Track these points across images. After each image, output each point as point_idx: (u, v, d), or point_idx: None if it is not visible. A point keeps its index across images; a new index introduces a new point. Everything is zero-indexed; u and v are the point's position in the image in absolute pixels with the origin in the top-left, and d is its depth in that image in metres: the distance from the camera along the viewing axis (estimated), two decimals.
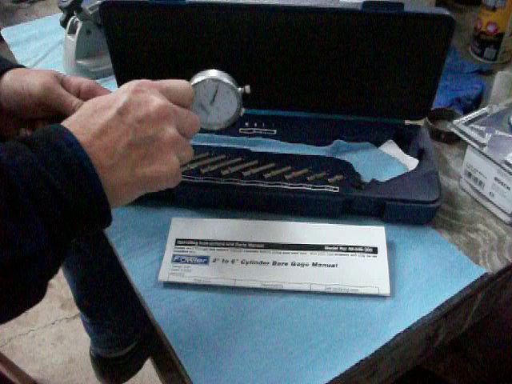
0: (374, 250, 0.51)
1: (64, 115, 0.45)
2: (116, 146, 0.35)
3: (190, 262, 0.51)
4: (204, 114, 0.50)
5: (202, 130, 0.59)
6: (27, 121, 0.49)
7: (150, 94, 0.38)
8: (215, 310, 0.48)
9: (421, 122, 0.64)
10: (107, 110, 0.36)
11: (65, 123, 0.35)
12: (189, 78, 0.51)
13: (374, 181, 0.55)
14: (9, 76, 0.47)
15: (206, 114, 0.50)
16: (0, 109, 0.47)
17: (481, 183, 0.56)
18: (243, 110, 0.51)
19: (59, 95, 0.46)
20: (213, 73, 0.48)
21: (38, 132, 0.34)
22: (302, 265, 0.50)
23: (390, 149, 0.60)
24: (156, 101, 0.38)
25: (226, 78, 0.48)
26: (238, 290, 0.49)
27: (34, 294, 0.34)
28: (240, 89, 0.49)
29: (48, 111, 0.47)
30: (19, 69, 0.48)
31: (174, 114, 0.39)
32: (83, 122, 0.35)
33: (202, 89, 0.48)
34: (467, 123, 0.55)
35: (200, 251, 0.51)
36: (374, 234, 0.52)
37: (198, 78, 0.48)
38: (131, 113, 0.37)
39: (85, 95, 0.48)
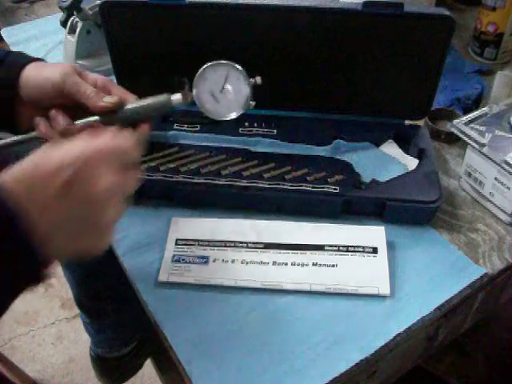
0: (374, 250, 0.51)
1: (78, 105, 0.48)
2: (56, 219, 0.35)
3: (190, 262, 0.51)
4: (213, 103, 0.50)
5: (202, 124, 0.59)
6: (43, 109, 0.50)
7: (98, 171, 0.38)
8: (215, 310, 0.48)
9: (421, 122, 0.64)
10: (54, 181, 0.36)
11: (11, 177, 0.35)
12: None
13: (374, 181, 0.55)
14: (31, 67, 0.50)
15: (216, 103, 0.50)
16: (18, 99, 0.50)
17: (481, 183, 0.56)
18: (253, 104, 0.51)
19: (75, 83, 0.48)
20: (224, 60, 0.48)
21: None
22: (302, 265, 0.50)
23: (390, 149, 0.60)
24: (102, 181, 0.37)
25: (236, 65, 0.48)
26: (237, 289, 0.49)
27: None
28: (251, 79, 0.49)
29: (65, 99, 0.49)
30: (40, 62, 0.52)
31: (118, 191, 0.39)
32: (30, 187, 0.35)
33: (212, 75, 0.48)
34: (467, 123, 0.55)
35: (200, 251, 0.51)
36: (374, 233, 0.52)
37: (209, 63, 0.48)
38: (76, 188, 0.36)
39: (99, 91, 0.50)
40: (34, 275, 0.35)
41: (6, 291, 0.34)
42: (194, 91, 0.52)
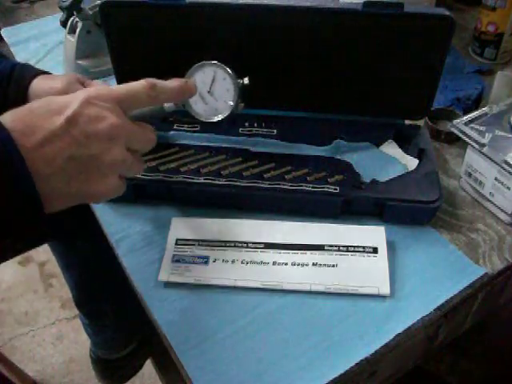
0: (374, 250, 0.51)
1: None
2: (56, 157, 0.34)
3: (189, 262, 0.51)
4: (202, 104, 0.50)
5: (201, 125, 0.60)
6: None
7: (104, 110, 0.36)
8: (215, 310, 0.48)
9: (421, 122, 0.64)
10: (57, 117, 0.34)
11: (9, 118, 0.33)
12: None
13: (374, 181, 0.55)
14: (37, 80, 0.52)
15: (204, 104, 0.50)
16: None
17: (481, 183, 0.56)
18: (242, 106, 0.51)
19: (77, 90, 0.48)
20: (211, 61, 0.49)
21: None
22: (302, 265, 0.50)
23: (390, 149, 0.60)
24: (108, 119, 0.36)
25: (224, 65, 0.48)
26: (237, 289, 0.49)
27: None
28: (239, 80, 0.49)
29: None
30: (46, 74, 0.54)
31: (125, 135, 0.38)
32: (30, 123, 0.34)
33: (200, 75, 0.49)
34: (467, 123, 0.55)
35: (200, 251, 0.51)
36: (374, 233, 0.52)
37: (197, 63, 0.48)
38: (80, 125, 0.35)
39: None
40: (29, 218, 0.33)
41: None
42: None
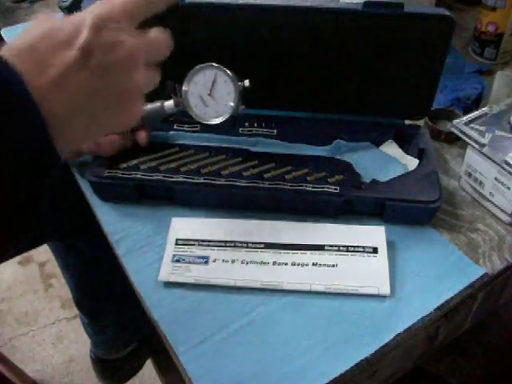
0: (374, 250, 0.51)
1: None
2: (75, 96, 0.30)
3: (190, 262, 0.51)
4: (202, 106, 0.50)
5: (201, 125, 0.60)
6: None
7: (118, 32, 0.32)
8: (215, 310, 0.48)
9: (421, 122, 0.64)
10: (67, 49, 0.30)
11: (14, 58, 0.28)
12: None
13: (374, 181, 0.55)
14: None
15: (205, 107, 0.50)
16: None
17: (481, 183, 0.56)
18: (243, 108, 0.51)
19: None
20: (212, 63, 0.49)
21: None
22: (302, 265, 0.50)
23: (390, 149, 0.60)
24: (125, 44, 0.32)
25: (224, 68, 0.49)
26: (238, 290, 0.49)
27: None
28: (239, 83, 0.50)
29: None
30: None
31: (143, 55, 0.34)
32: (38, 60, 0.29)
33: (201, 78, 0.49)
34: (467, 123, 0.55)
35: (200, 251, 0.51)
36: (374, 233, 0.52)
37: (197, 66, 0.48)
38: (96, 56, 0.30)
39: None
40: (45, 169, 0.29)
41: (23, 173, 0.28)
42: (183, 94, 0.52)
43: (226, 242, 0.52)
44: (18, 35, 0.31)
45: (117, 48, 0.32)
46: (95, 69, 0.30)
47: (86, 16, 0.32)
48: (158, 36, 0.37)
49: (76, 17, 0.32)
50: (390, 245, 0.52)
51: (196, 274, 0.49)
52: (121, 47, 0.32)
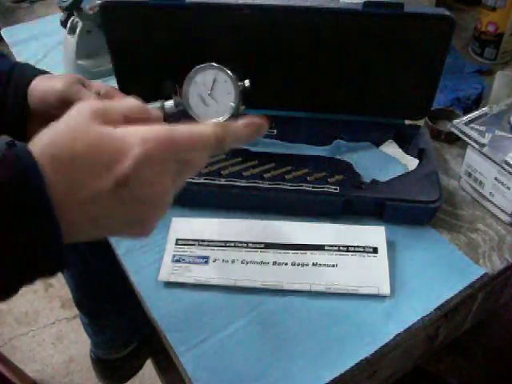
0: (374, 250, 0.51)
1: None
2: (99, 218, 0.30)
3: (190, 262, 0.51)
4: (202, 106, 0.50)
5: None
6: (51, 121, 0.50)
7: (160, 174, 0.30)
8: (215, 310, 0.48)
9: (421, 122, 0.64)
10: (105, 175, 0.28)
11: (49, 167, 0.27)
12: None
13: (374, 181, 0.55)
14: (37, 79, 0.51)
15: (205, 107, 0.50)
16: (28, 112, 0.50)
17: (481, 183, 0.56)
18: (243, 108, 0.51)
19: (78, 91, 0.49)
20: (213, 63, 0.49)
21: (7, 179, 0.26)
22: (302, 265, 0.50)
23: (390, 149, 0.60)
24: (161, 186, 0.31)
25: (225, 68, 0.49)
26: (238, 289, 0.49)
27: None
28: (239, 83, 0.50)
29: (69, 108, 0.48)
30: (46, 74, 0.53)
31: (173, 193, 0.33)
32: (73, 178, 0.28)
33: (201, 78, 0.49)
34: (467, 123, 0.55)
35: (200, 251, 0.51)
36: (374, 233, 0.52)
37: (198, 66, 0.48)
38: (130, 189, 0.29)
39: (102, 99, 0.49)
40: (53, 262, 0.29)
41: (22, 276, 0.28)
42: (184, 94, 0.52)
43: (225, 242, 0.52)
44: (58, 131, 0.29)
45: (153, 187, 0.30)
46: (125, 200, 0.30)
47: (135, 145, 0.29)
48: (199, 162, 0.35)
49: (125, 140, 0.29)
50: (390, 245, 0.52)
51: (196, 273, 0.49)
52: (157, 188, 0.31)
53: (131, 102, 0.33)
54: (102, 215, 0.30)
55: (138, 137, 0.30)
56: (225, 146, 0.33)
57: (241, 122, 0.34)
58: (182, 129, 0.32)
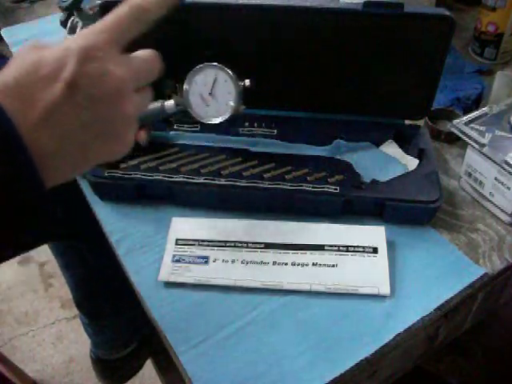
0: (374, 250, 0.51)
1: None
2: (64, 132, 0.29)
3: (190, 262, 0.51)
4: (203, 106, 0.50)
5: (201, 125, 0.60)
6: None
7: (105, 62, 0.31)
8: (215, 310, 0.48)
9: (421, 122, 0.64)
10: (53, 83, 0.29)
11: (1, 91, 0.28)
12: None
13: (374, 181, 0.55)
14: None
15: (206, 106, 0.50)
16: None
17: (481, 183, 0.56)
18: (243, 107, 0.51)
19: None
20: (213, 63, 0.49)
21: None
22: (302, 265, 0.50)
23: (390, 149, 0.60)
24: (113, 74, 0.31)
25: (225, 67, 0.49)
26: (237, 289, 0.49)
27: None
28: (240, 82, 0.50)
29: None
30: None
31: (132, 83, 0.33)
32: (24, 95, 0.28)
33: (201, 77, 0.49)
34: (467, 123, 0.55)
35: (200, 251, 0.51)
36: (374, 233, 0.52)
37: (198, 66, 0.48)
38: (83, 90, 0.29)
39: None
40: (34, 198, 0.29)
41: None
42: (184, 94, 0.52)
43: (226, 242, 0.52)
44: (3, 70, 0.30)
45: (104, 80, 0.30)
46: (83, 102, 0.30)
47: (71, 47, 0.30)
48: (146, 59, 0.36)
49: (61, 48, 0.31)
50: (390, 245, 0.52)
51: (196, 274, 0.49)
52: (108, 79, 0.31)
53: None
54: (68, 128, 0.29)
55: (71, 39, 0.31)
56: (143, 12, 0.36)
57: None
58: (105, 18, 0.34)
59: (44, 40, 0.35)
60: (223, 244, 0.52)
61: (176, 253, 0.51)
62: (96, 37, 0.32)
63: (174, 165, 0.57)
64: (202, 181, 0.55)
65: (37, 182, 0.28)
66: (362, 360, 0.44)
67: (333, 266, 0.50)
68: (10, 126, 0.27)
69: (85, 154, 0.31)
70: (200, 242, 0.52)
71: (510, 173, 0.51)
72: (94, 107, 0.30)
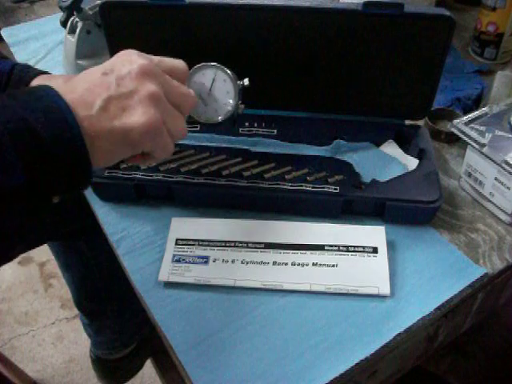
0: (374, 250, 0.51)
1: None
2: (95, 100, 0.37)
3: (190, 262, 0.51)
4: (202, 105, 0.50)
5: (201, 125, 0.60)
6: None
7: (137, 57, 0.40)
8: (215, 310, 0.48)
9: (421, 122, 0.64)
10: (93, 74, 0.39)
11: (51, 83, 0.37)
12: None
13: (374, 181, 0.55)
14: (37, 79, 0.51)
15: (205, 106, 0.50)
16: None
17: (481, 183, 0.56)
18: (243, 107, 0.51)
19: None
20: (211, 63, 0.49)
21: (21, 88, 0.35)
22: (302, 265, 0.50)
23: (390, 149, 0.60)
24: (141, 60, 0.39)
25: (223, 67, 0.49)
26: (237, 289, 0.49)
27: (11, 237, 0.35)
28: (239, 82, 0.50)
29: None
30: (46, 74, 0.52)
31: (159, 76, 0.40)
32: (70, 85, 0.38)
33: (200, 77, 0.49)
34: (467, 123, 0.55)
35: (200, 251, 0.51)
36: (374, 233, 0.52)
37: (196, 66, 0.48)
38: (115, 72, 0.38)
39: None
40: (79, 165, 0.35)
41: (52, 173, 0.34)
42: None
43: (225, 242, 0.52)
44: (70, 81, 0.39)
45: (132, 63, 0.39)
46: (112, 80, 0.38)
47: (118, 53, 0.41)
48: (181, 84, 0.43)
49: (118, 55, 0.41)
50: (390, 245, 0.52)
51: (196, 274, 0.49)
52: (135, 62, 0.39)
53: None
54: (97, 99, 0.37)
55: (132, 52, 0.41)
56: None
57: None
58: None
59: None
60: (223, 244, 0.52)
61: (176, 253, 0.51)
62: (136, 51, 0.42)
63: (173, 165, 0.57)
64: (202, 181, 0.55)
65: (77, 132, 0.35)
66: (362, 360, 0.44)
67: (333, 266, 0.50)
68: (56, 94, 0.35)
69: (113, 125, 0.37)
70: (200, 242, 0.52)
71: (510, 173, 0.51)
72: (121, 82, 0.38)
